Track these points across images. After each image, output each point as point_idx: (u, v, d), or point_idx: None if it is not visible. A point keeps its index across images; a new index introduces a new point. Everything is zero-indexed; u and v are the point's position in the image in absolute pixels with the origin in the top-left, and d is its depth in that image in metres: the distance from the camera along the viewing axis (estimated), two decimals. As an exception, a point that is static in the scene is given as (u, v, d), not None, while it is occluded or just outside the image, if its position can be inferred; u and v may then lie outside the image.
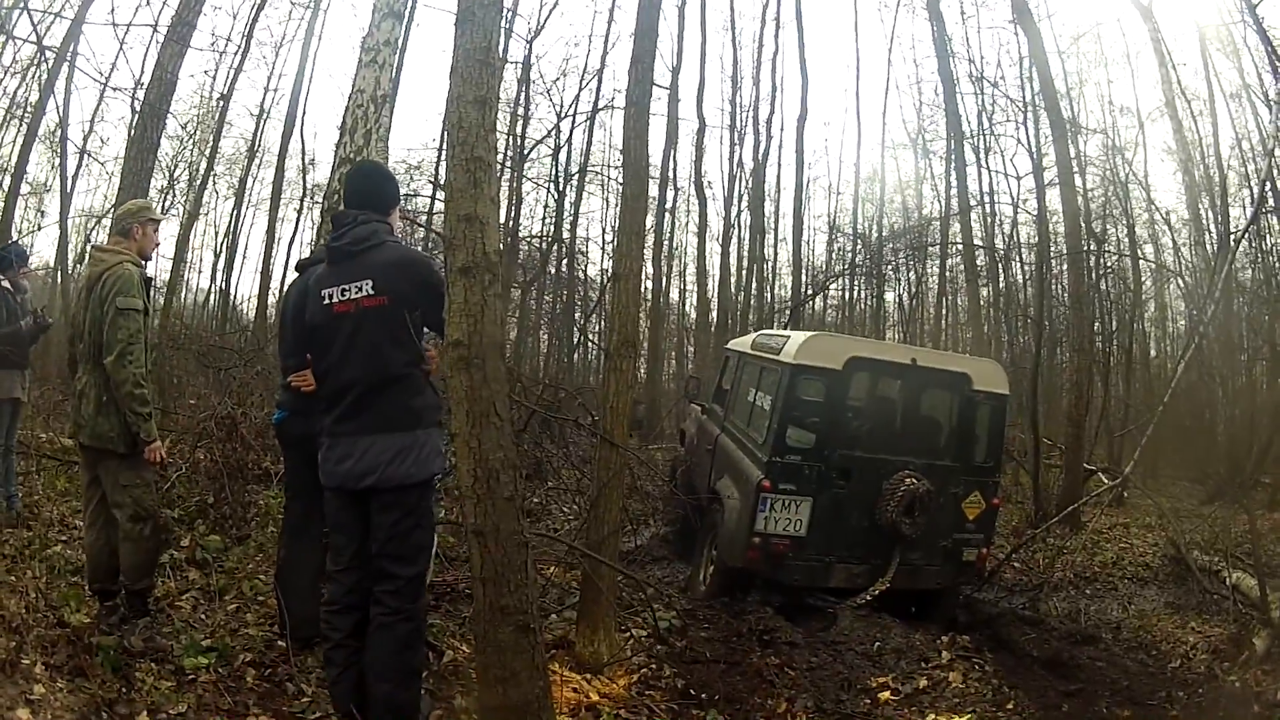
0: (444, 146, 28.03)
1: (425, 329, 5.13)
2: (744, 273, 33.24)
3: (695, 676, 7.25)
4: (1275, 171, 18.27)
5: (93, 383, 6.08)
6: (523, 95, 29.07)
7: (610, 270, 8.41)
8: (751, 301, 32.82)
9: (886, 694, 7.41)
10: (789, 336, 10.03)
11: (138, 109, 15.39)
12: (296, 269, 6.37)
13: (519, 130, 29.33)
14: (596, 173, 32.26)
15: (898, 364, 9.65)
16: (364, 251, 4.97)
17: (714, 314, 34.11)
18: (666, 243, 34.46)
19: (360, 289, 4.88)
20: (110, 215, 11.15)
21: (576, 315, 31.58)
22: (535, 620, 4.77)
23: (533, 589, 4.86)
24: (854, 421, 9.69)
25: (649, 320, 32.31)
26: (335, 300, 4.94)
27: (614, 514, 7.30)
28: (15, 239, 18.12)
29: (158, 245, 6.66)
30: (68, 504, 9.08)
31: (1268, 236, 21.31)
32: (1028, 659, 8.86)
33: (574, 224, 31.84)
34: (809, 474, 9.18)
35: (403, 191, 6.87)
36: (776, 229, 34.38)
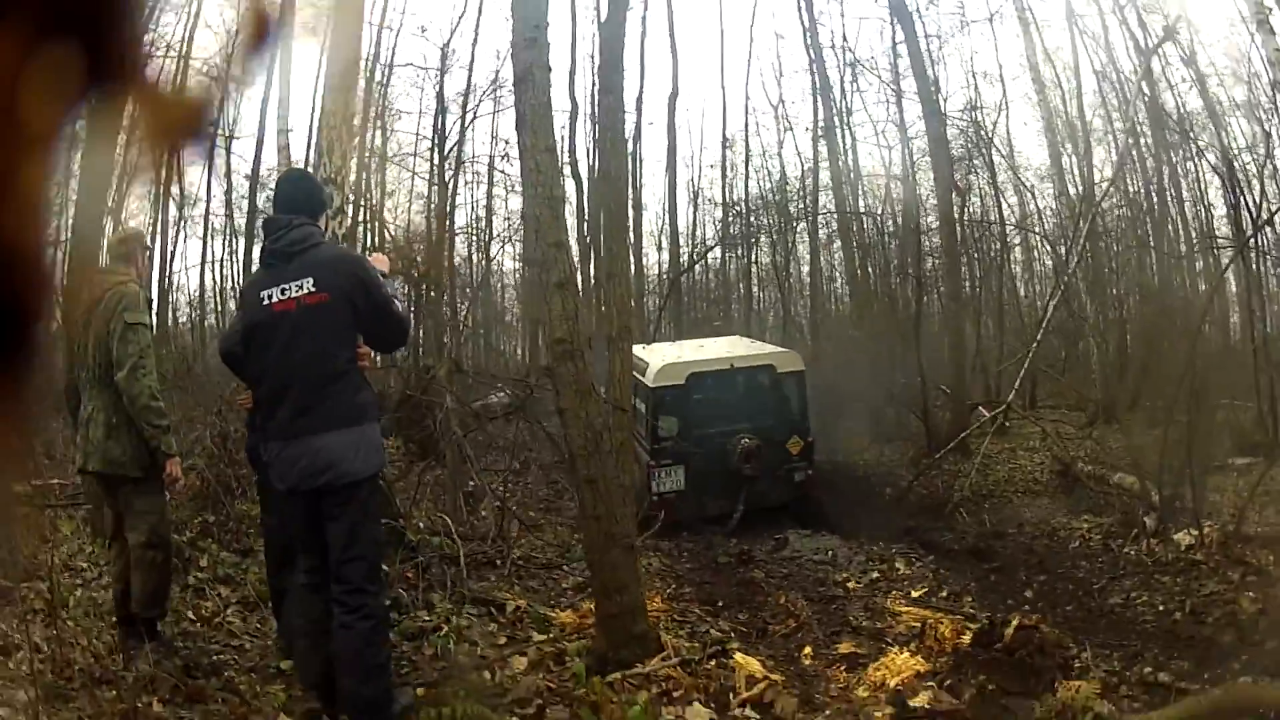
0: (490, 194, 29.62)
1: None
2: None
3: (706, 591, 9.50)
4: (1139, 129, 20.42)
5: (100, 406, 5.92)
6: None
7: (606, 271, 9.94)
8: (632, 274, 33.19)
9: (852, 584, 9.69)
10: (648, 362, 14.15)
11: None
12: None
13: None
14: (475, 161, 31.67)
15: (723, 368, 14.13)
16: (302, 252, 5.05)
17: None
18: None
19: (301, 287, 4.94)
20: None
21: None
22: (635, 543, 6.37)
23: (630, 520, 6.45)
24: (701, 409, 13.81)
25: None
26: (275, 299, 4.98)
27: (629, 466, 9.01)
28: None
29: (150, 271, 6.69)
30: (65, 549, 8.27)
31: (1131, 185, 22.46)
32: (951, 552, 11.17)
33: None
34: (678, 449, 13.44)
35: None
36: (640, 201, 34.42)
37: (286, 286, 4.96)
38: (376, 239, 27.47)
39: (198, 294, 26.85)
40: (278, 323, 4.98)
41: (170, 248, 25.35)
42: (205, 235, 28.07)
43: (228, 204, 27.77)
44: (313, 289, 4.93)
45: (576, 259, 28.56)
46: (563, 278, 6.28)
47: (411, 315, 5.91)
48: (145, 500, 5.96)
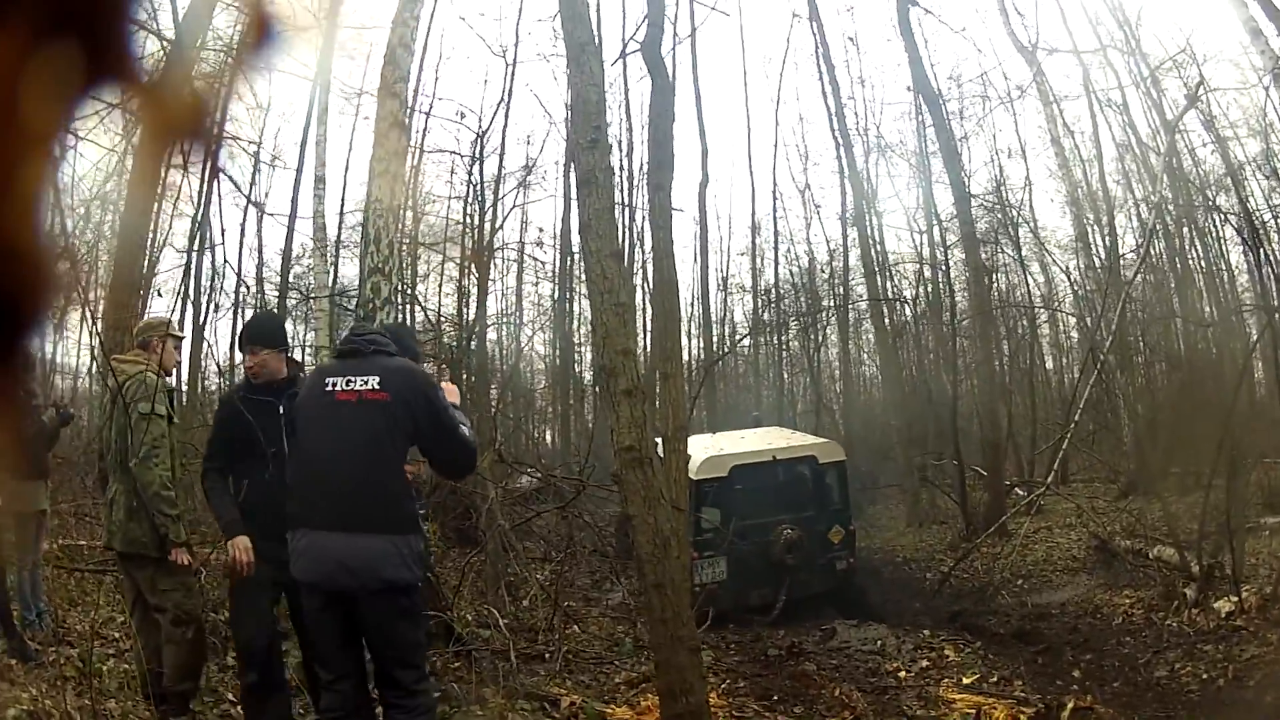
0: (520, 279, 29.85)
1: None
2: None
3: (760, 685, 9.56)
4: (1163, 199, 20.29)
5: (122, 489, 6.10)
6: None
7: (661, 371, 10.05)
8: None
9: (903, 673, 9.81)
10: (691, 455, 13.04)
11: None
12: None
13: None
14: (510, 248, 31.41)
15: (765, 460, 14.13)
16: (375, 354, 5.07)
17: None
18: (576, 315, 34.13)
19: (366, 382, 4.92)
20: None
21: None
22: (698, 645, 6.45)
23: (692, 623, 6.61)
24: (743, 501, 13.76)
25: (559, 388, 33.59)
26: (339, 388, 4.96)
27: (684, 564, 9.18)
28: None
29: (178, 362, 6.80)
30: (98, 614, 8.68)
31: (1155, 249, 22.26)
32: (997, 636, 11.31)
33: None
34: (719, 541, 13.39)
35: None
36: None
37: (352, 379, 4.95)
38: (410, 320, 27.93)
39: (227, 363, 26.81)
40: (336, 410, 4.94)
41: (201, 319, 25.49)
42: (236, 308, 28.30)
43: (258, 279, 27.86)
44: (376, 386, 4.89)
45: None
46: (631, 385, 6.30)
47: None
48: (168, 579, 6.05)
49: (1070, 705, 6.83)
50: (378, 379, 4.93)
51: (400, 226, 11.11)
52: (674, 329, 10.02)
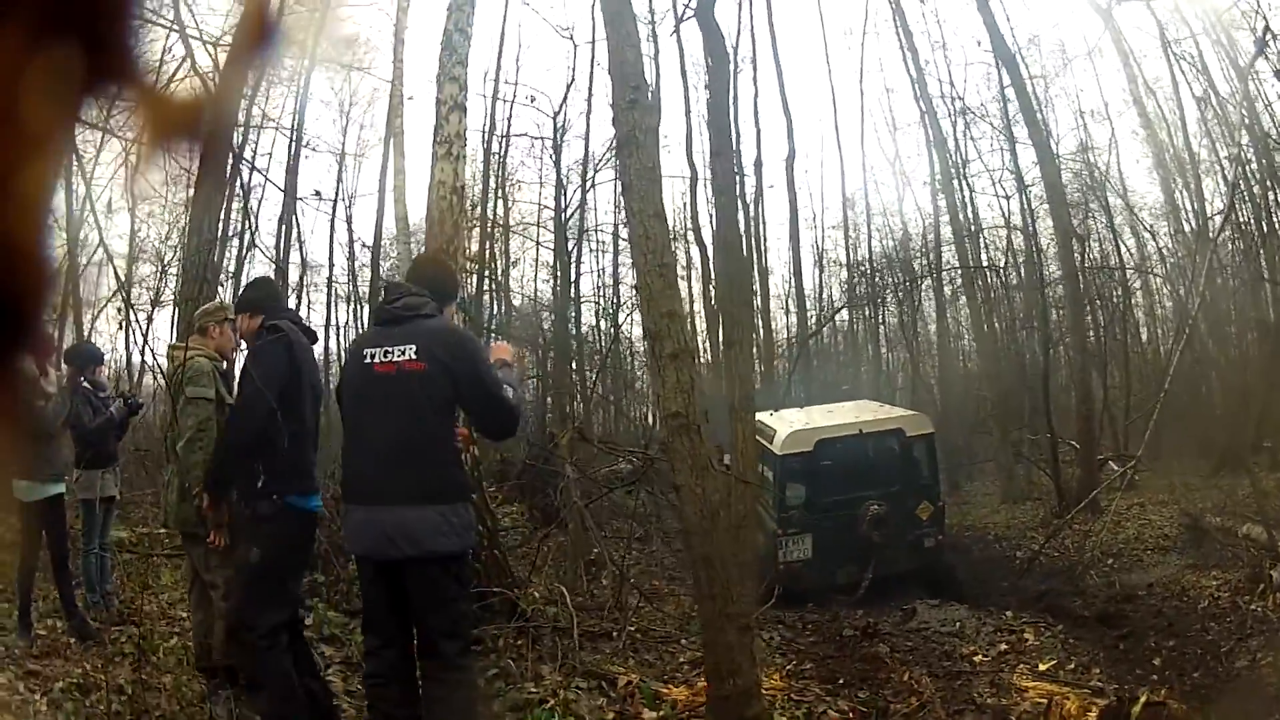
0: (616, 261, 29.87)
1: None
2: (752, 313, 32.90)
3: (827, 667, 9.31)
4: (1244, 156, 19.82)
5: (177, 471, 6.18)
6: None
7: (727, 339, 9.89)
8: (759, 339, 32.82)
9: (979, 657, 9.52)
10: (775, 429, 14.09)
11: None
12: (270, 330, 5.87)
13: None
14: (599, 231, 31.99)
15: (850, 434, 14.02)
16: (411, 319, 5.03)
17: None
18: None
19: (404, 353, 4.88)
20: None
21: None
22: (752, 622, 6.26)
23: (749, 599, 6.37)
24: (829, 476, 13.79)
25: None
26: (377, 360, 4.95)
27: (751, 540, 9.00)
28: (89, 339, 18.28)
29: (237, 346, 6.60)
30: (165, 596, 9.07)
31: (1242, 214, 21.75)
32: (1080, 619, 10.96)
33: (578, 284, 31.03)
34: (805, 518, 13.49)
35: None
36: (765, 265, 33.79)
37: (390, 350, 4.93)
38: (501, 307, 27.93)
39: (321, 358, 27.07)
40: (376, 384, 4.96)
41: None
42: (329, 299, 28.98)
43: (350, 270, 28.63)
44: (413, 356, 4.88)
45: (704, 327, 28.90)
46: (677, 349, 6.10)
47: (524, 401, 5.60)
48: (219, 556, 6.03)
49: (1143, 699, 6.48)
50: (415, 347, 4.90)
51: (472, 209, 10.89)
52: (741, 295, 9.80)
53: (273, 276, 21.81)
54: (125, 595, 9.07)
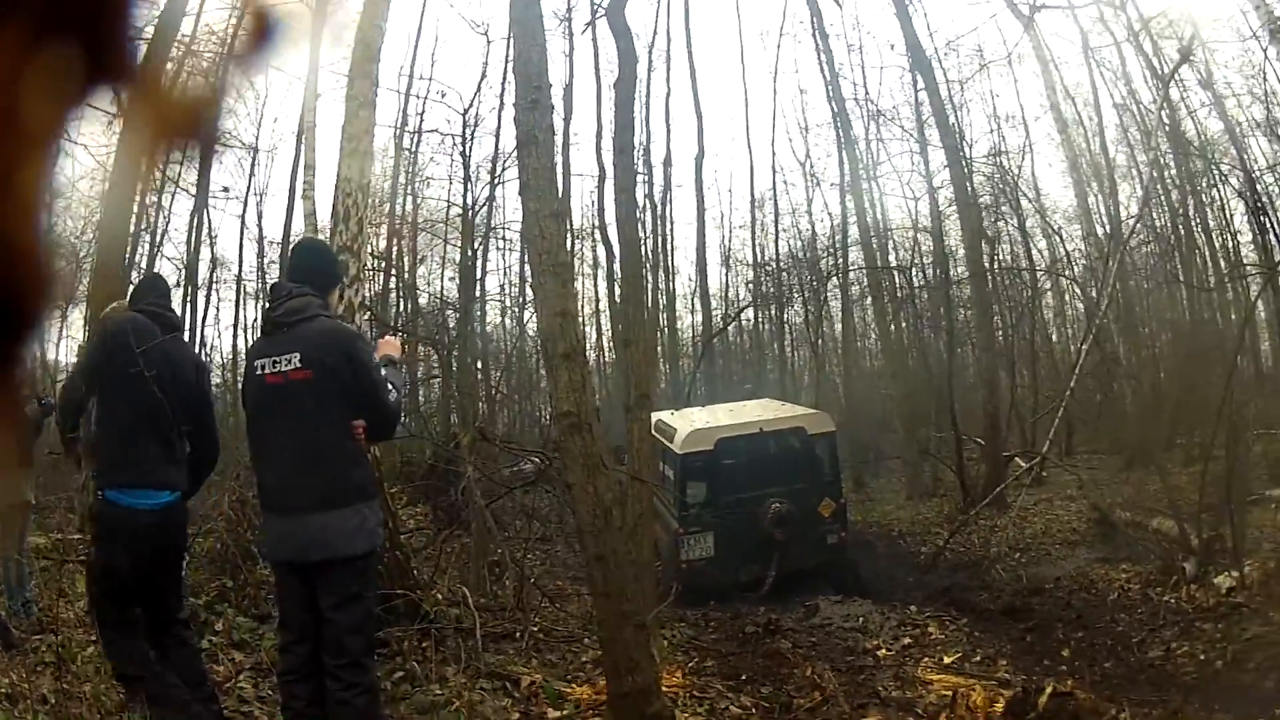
0: (523, 260, 28.02)
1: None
2: (656, 311, 33.21)
3: (730, 664, 9.15)
4: (1162, 161, 20.24)
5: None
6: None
7: (623, 337, 9.78)
8: (664, 338, 33.35)
9: (883, 651, 9.36)
10: (676, 428, 14.21)
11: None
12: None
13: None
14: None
15: (751, 432, 13.94)
16: (295, 324, 4.97)
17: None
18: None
19: (290, 361, 4.87)
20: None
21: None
22: (647, 621, 6.13)
23: (642, 596, 6.25)
24: (730, 475, 13.70)
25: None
26: (267, 371, 4.94)
27: (646, 539, 8.85)
28: None
29: None
30: (81, 604, 8.48)
31: (1157, 220, 22.53)
32: (986, 612, 10.89)
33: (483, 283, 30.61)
34: (707, 516, 13.39)
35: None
36: (671, 264, 33.97)
37: (277, 359, 4.90)
38: (407, 306, 27.59)
39: (230, 357, 27.17)
40: (269, 395, 4.95)
41: (201, 311, 25.98)
42: (238, 298, 28.38)
43: (260, 268, 28.12)
44: (298, 365, 4.86)
45: (609, 327, 28.91)
46: (569, 348, 6.14)
47: (404, 402, 5.45)
48: None
49: (1049, 689, 6.32)
50: (299, 355, 4.88)
51: (380, 205, 10.68)
52: (636, 292, 9.66)
53: (160, 273, 21.60)
54: (44, 603, 8.85)
